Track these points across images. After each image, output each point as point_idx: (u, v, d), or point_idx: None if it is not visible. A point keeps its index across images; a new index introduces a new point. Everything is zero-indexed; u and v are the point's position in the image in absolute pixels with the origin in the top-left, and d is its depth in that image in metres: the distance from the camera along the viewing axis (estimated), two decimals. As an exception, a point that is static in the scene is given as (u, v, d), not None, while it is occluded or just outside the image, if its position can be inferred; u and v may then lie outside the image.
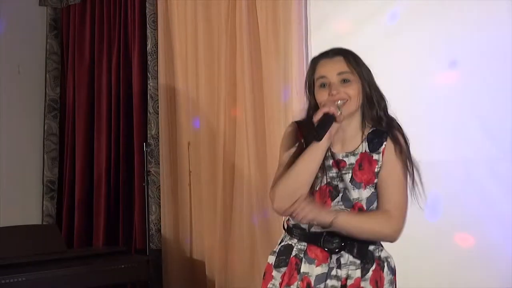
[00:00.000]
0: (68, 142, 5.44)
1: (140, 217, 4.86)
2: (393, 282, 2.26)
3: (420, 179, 2.23)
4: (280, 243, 2.34)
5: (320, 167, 2.20)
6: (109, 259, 4.24)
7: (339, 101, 2.17)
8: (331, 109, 2.14)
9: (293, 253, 2.27)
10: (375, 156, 2.21)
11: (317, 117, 2.15)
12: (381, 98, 2.26)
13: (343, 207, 2.19)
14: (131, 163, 4.99)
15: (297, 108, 4.10)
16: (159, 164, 4.84)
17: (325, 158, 2.21)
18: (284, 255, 2.29)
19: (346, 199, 2.20)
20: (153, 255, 4.68)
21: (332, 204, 2.21)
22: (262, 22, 4.30)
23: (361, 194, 2.19)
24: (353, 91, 2.20)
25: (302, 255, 2.25)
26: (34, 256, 4.07)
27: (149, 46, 4.91)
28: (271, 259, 2.32)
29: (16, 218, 4.94)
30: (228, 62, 4.45)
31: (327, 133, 2.14)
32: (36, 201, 5.48)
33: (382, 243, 2.29)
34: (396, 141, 2.21)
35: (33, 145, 5.50)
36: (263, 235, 4.24)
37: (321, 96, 2.22)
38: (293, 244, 2.29)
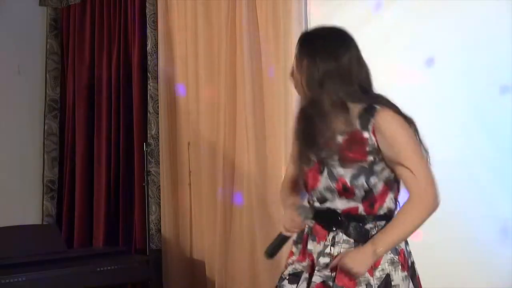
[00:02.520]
0: (68, 142, 5.44)
1: (140, 217, 4.86)
2: (395, 261, 2.19)
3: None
4: None
5: (310, 146, 2.25)
6: (109, 259, 4.24)
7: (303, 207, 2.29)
8: (285, 231, 2.32)
9: (305, 230, 2.31)
10: (365, 134, 2.18)
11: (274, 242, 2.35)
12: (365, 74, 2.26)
13: (328, 183, 2.20)
14: (131, 163, 4.99)
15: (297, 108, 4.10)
16: (159, 164, 4.84)
17: (315, 137, 2.23)
18: (301, 232, 2.34)
19: (331, 175, 2.20)
20: (153, 255, 4.68)
21: (321, 180, 2.23)
22: (262, 22, 4.30)
23: (346, 171, 2.18)
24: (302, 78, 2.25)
25: (309, 232, 2.29)
26: (34, 256, 4.08)
27: (149, 46, 4.91)
28: (294, 236, 2.37)
29: (16, 218, 4.93)
30: (228, 62, 4.45)
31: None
32: (36, 201, 5.48)
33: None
34: (386, 113, 2.17)
35: (33, 145, 5.50)
36: (263, 235, 4.24)
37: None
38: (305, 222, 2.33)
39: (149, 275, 4.38)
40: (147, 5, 4.94)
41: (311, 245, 2.26)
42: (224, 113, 4.47)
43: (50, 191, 5.50)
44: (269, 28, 4.25)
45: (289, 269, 2.32)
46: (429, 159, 2.21)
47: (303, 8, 4.15)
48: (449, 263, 3.52)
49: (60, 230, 4.90)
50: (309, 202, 2.33)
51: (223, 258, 4.44)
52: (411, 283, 2.22)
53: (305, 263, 2.27)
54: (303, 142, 2.27)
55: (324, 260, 2.21)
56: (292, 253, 2.36)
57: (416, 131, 2.23)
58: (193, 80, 4.70)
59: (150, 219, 4.72)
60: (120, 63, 5.11)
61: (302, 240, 2.32)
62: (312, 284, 2.21)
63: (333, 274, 2.18)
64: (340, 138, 2.21)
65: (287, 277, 2.32)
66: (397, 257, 2.20)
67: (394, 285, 2.18)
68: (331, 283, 2.18)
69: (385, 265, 2.18)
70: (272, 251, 2.30)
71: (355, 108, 2.20)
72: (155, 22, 4.90)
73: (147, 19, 4.93)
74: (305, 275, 2.26)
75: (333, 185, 2.19)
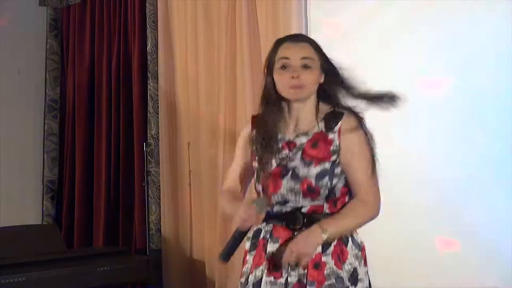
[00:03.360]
0: (68, 142, 5.44)
1: (140, 217, 4.86)
2: (360, 257, 2.27)
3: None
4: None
5: (270, 151, 2.29)
6: (109, 259, 4.24)
7: (253, 203, 2.24)
8: (240, 226, 2.26)
9: (261, 235, 2.34)
10: (331, 135, 2.25)
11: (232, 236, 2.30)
12: (338, 87, 2.31)
13: (292, 184, 2.24)
14: (131, 163, 4.99)
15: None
16: (159, 164, 4.84)
17: (276, 142, 2.29)
18: (255, 239, 2.37)
19: (295, 177, 2.24)
20: (153, 255, 4.68)
21: (283, 183, 2.25)
22: (262, 22, 4.30)
23: (310, 171, 2.23)
24: (312, 77, 2.26)
25: (268, 236, 2.31)
26: (34, 256, 4.07)
27: (149, 46, 4.91)
28: (247, 245, 2.39)
29: (16, 218, 4.94)
30: (228, 62, 4.45)
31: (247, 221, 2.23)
32: (36, 201, 5.48)
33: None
34: (353, 120, 2.26)
35: (33, 145, 5.50)
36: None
37: (280, 77, 2.28)
38: (261, 228, 2.35)
39: (149, 275, 4.38)
40: (147, 5, 4.94)
41: (272, 247, 2.28)
42: (224, 113, 4.46)
43: (50, 191, 5.49)
44: (269, 28, 4.25)
45: (251, 279, 2.32)
46: (377, 168, 2.28)
47: (303, 8, 4.15)
48: (449, 263, 3.52)
49: (60, 230, 4.89)
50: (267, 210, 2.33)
51: (223, 258, 4.43)
52: (369, 279, 2.30)
53: (262, 266, 2.30)
54: (263, 146, 2.31)
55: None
56: (246, 261, 2.37)
57: (370, 136, 2.30)
58: (193, 80, 4.70)
59: (150, 219, 4.72)
60: (120, 63, 5.11)
61: (256, 246, 2.34)
62: (289, 285, 2.23)
63: (305, 271, 2.22)
64: (304, 139, 2.27)
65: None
66: (360, 252, 2.29)
67: (360, 279, 2.26)
68: (305, 281, 2.22)
69: (352, 260, 2.26)
70: (228, 252, 2.26)
71: (323, 108, 2.30)
72: (155, 22, 4.90)
73: (147, 19, 4.93)
74: (266, 278, 2.27)
75: (297, 187, 2.23)
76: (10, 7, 5.38)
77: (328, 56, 2.31)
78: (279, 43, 2.36)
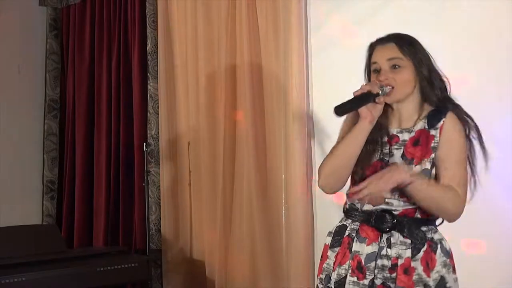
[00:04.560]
0: (68, 142, 5.44)
1: (140, 217, 4.86)
2: (447, 264, 2.25)
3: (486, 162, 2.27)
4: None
5: (377, 142, 2.26)
6: (109, 259, 4.24)
7: (386, 87, 2.21)
8: (368, 88, 2.19)
9: (346, 233, 2.31)
10: (432, 132, 2.23)
11: (356, 93, 2.20)
12: (440, 80, 2.30)
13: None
14: (131, 163, 4.99)
15: (297, 108, 4.10)
16: (159, 164, 4.84)
17: (381, 135, 2.27)
18: (338, 236, 2.34)
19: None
20: (153, 255, 4.68)
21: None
22: (262, 22, 4.29)
23: (410, 170, 2.20)
24: (402, 77, 2.24)
25: (354, 235, 2.29)
26: (34, 256, 4.07)
27: (149, 46, 4.91)
28: (328, 240, 2.37)
29: (16, 218, 4.94)
30: (228, 62, 4.45)
31: (368, 113, 2.18)
32: (36, 201, 5.48)
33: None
34: (456, 118, 2.24)
35: (33, 145, 5.50)
36: (263, 235, 4.24)
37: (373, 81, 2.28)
38: (347, 224, 2.33)
39: (149, 275, 4.38)
40: (147, 5, 4.94)
41: (358, 247, 2.27)
42: (224, 113, 4.46)
43: (50, 191, 5.50)
44: (269, 28, 4.25)
45: (334, 277, 2.30)
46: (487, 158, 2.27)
47: (303, 8, 4.15)
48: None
49: (60, 230, 4.89)
50: (352, 206, 2.33)
51: (223, 258, 4.44)
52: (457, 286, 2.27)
53: (346, 265, 2.28)
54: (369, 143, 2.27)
55: (382, 262, 2.23)
56: (327, 257, 2.36)
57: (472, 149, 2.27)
58: (193, 80, 4.70)
59: (150, 219, 4.72)
60: (120, 63, 5.11)
61: (340, 243, 2.32)
62: (374, 286, 2.23)
63: (393, 275, 2.20)
64: (406, 136, 2.25)
65: (333, 286, 2.31)
66: (448, 260, 2.27)
67: (448, 287, 2.23)
68: (391, 285, 2.21)
69: (439, 267, 2.23)
70: (345, 107, 2.17)
71: (428, 107, 2.28)
72: (155, 22, 4.90)
73: (147, 19, 4.93)
74: (350, 278, 2.26)
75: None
76: (10, 7, 5.38)
77: (422, 52, 2.29)
78: (371, 48, 2.36)
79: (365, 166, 2.26)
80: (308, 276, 4.05)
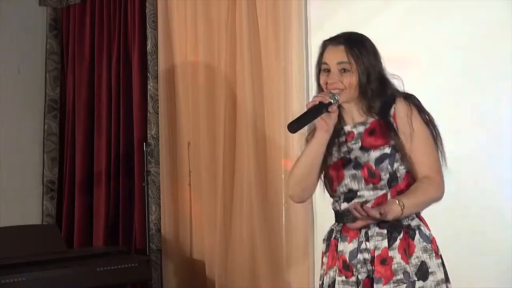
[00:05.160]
0: (68, 142, 5.44)
1: (140, 217, 4.86)
2: (428, 249, 2.26)
3: (441, 141, 2.32)
4: None
5: (334, 144, 2.32)
6: (109, 259, 4.24)
7: (335, 90, 2.27)
8: (319, 99, 2.25)
9: (333, 235, 2.36)
10: (387, 120, 2.27)
11: (308, 105, 2.28)
12: (387, 80, 2.33)
13: (353, 171, 2.27)
14: (131, 163, 4.99)
15: (297, 108, 4.10)
16: (159, 164, 4.84)
17: (339, 136, 2.33)
18: (328, 240, 2.39)
19: (356, 165, 2.28)
20: (153, 255, 4.68)
21: (344, 172, 2.29)
22: (262, 22, 4.30)
23: (370, 156, 2.26)
24: (349, 80, 2.28)
25: (338, 235, 2.33)
26: (34, 256, 4.07)
27: (149, 46, 4.91)
28: (323, 247, 2.42)
29: (16, 218, 4.93)
30: (228, 62, 4.45)
31: (323, 123, 2.25)
32: (36, 201, 5.48)
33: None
34: (406, 102, 2.28)
35: (33, 145, 5.49)
36: (263, 235, 4.24)
37: (322, 80, 2.33)
38: (333, 228, 2.38)
39: (149, 275, 4.38)
40: (147, 5, 4.94)
41: (342, 247, 2.31)
42: (224, 113, 4.46)
43: (50, 191, 5.49)
44: (269, 28, 4.25)
45: (326, 280, 2.34)
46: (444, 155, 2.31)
47: (303, 8, 4.15)
48: (449, 261, 3.51)
49: (60, 230, 4.89)
50: (335, 209, 2.37)
51: (223, 258, 4.44)
52: (444, 270, 2.28)
53: (335, 267, 2.32)
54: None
55: (362, 256, 2.26)
56: (322, 263, 2.40)
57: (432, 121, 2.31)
58: (193, 80, 4.70)
59: (150, 219, 4.72)
60: (120, 63, 5.11)
61: (329, 247, 2.36)
62: (360, 283, 2.25)
63: (372, 267, 2.23)
64: (361, 128, 2.30)
65: None
66: (429, 245, 2.27)
67: (431, 272, 2.24)
68: (373, 276, 2.23)
69: (419, 253, 2.24)
70: (298, 122, 2.25)
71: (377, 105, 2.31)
72: (155, 22, 4.90)
73: (147, 19, 4.93)
74: (338, 278, 2.29)
75: (359, 173, 2.26)
76: (10, 7, 5.38)
77: (367, 52, 2.31)
78: (323, 46, 2.38)
79: (325, 169, 2.34)
80: (308, 276, 4.05)
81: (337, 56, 2.30)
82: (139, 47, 4.98)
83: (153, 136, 4.87)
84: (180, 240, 4.79)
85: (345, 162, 2.30)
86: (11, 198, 5.29)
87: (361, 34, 2.38)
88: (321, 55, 2.36)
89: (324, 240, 2.41)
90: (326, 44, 2.37)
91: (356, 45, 2.31)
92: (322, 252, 2.41)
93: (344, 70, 2.28)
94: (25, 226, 4.49)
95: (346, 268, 2.28)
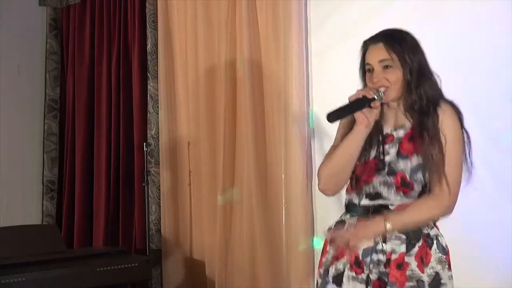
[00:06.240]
0: (68, 142, 5.44)
1: (140, 217, 4.86)
2: (443, 261, 2.25)
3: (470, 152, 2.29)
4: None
5: (371, 142, 2.29)
6: (109, 259, 4.24)
7: (381, 88, 2.24)
8: (362, 93, 2.22)
9: (345, 227, 2.33)
10: (431, 128, 2.23)
11: (351, 98, 2.24)
12: (431, 76, 2.31)
13: (386, 177, 2.25)
14: (131, 163, 4.99)
15: (297, 108, 4.10)
16: (159, 164, 4.84)
17: (375, 134, 2.29)
18: (337, 230, 2.36)
19: (390, 171, 2.26)
20: (153, 255, 4.68)
21: (376, 175, 2.27)
22: (262, 22, 4.30)
23: (406, 165, 2.23)
24: (394, 76, 2.26)
25: (352, 229, 2.30)
26: (34, 256, 4.07)
27: (149, 46, 4.91)
28: (327, 235, 2.39)
29: (16, 218, 4.94)
30: (228, 62, 4.45)
31: (364, 118, 2.22)
32: (36, 201, 5.48)
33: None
34: (451, 109, 2.26)
35: (33, 145, 5.50)
36: (263, 235, 4.24)
37: (368, 80, 2.31)
38: (345, 220, 2.35)
39: (149, 275, 4.38)
40: (147, 5, 4.94)
41: None
42: (224, 113, 4.46)
43: (50, 191, 5.49)
44: (269, 28, 4.25)
45: (332, 271, 2.32)
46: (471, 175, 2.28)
47: (303, 8, 4.15)
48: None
49: (60, 230, 4.89)
50: (351, 201, 2.35)
51: (223, 258, 4.44)
52: (452, 283, 2.28)
53: (344, 259, 2.30)
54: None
55: (377, 257, 2.25)
56: (326, 251, 2.38)
57: (468, 140, 2.29)
58: (193, 80, 4.70)
59: (150, 219, 4.71)
60: (120, 63, 5.11)
61: None
62: (370, 282, 2.24)
63: (387, 270, 2.22)
64: (401, 132, 2.27)
65: (331, 280, 2.33)
66: (445, 256, 2.27)
67: (443, 283, 2.24)
68: (385, 279, 2.22)
69: (434, 263, 2.23)
70: (337, 113, 2.22)
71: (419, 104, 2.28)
72: (155, 22, 4.90)
73: (147, 19, 4.93)
74: (348, 273, 2.28)
75: (391, 180, 2.24)
76: (10, 7, 5.38)
77: (407, 46, 2.29)
78: (364, 47, 2.36)
79: (357, 165, 2.30)
80: (308, 276, 4.05)
81: (378, 54, 2.27)
82: (139, 47, 4.98)
83: (153, 136, 4.87)
84: (180, 240, 4.79)
85: (379, 165, 2.27)
86: (11, 198, 5.29)
87: (401, 29, 2.36)
88: (363, 56, 2.34)
89: (330, 228, 2.39)
90: (367, 43, 2.34)
91: (396, 40, 2.29)
92: (326, 240, 2.38)
93: (387, 66, 2.26)
94: (25, 226, 4.49)
95: (357, 265, 2.27)
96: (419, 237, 2.23)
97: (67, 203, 5.38)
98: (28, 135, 5.49)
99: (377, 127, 2.30)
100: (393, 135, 2.29)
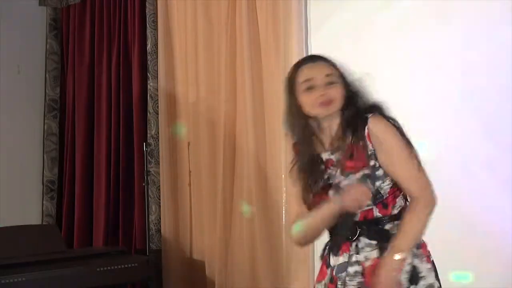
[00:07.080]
0: (68, 142, 5.44)
1: (140, 217, 4.86)
2: (420, 255, 2.27)
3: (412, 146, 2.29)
4: None
5: (315, 174, 2.30)
6: (109, 259, 4.24)
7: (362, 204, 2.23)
8: (352, 209, 2.22)
9: (326, 251, 2.37)
10: (362, 142, 2.25)
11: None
12: (363, 97, 2.31)
13: (336, 195, 2.25)
14: (131, 163, 4.99)
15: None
16: (159, 164, 4.84)
17: (318, 165, 2.31)
18: (322, 257, 2.41)
19: (338, 190, 2.26)
20: (153, 255, 4.68)
21: (329, 195, 2.28)
22: (262, 22, 4.30)
23: (352, 180, 2.24)
24: (337, 93, 2.27)
25: (330, 250, 2.34)
26: (34, 256, 4.07)
27: (149, 46, 4.91)
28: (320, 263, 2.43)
29: (16, 218, 4.94)
30: (228, 62, 4.45)
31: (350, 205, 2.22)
32: (36, 201, 5.48)
33: None
34: (379, 119, 2.26)
35: (33, 145, 5.50)
36: (263, 235, 4.24)
37: (307, 98, 2.28)
38: (328, 244, 2.39)
39: (149, 275, 4.38)
40: (147, 5, 4.94)
41: (333, 261, 2.32)
42: (224, 113, 4.46)
43: (50, 191, 5.49)
44: (269, 28, 4.25)
45: None
46: (420, 158, 2.27)
47: (303, 8, 4.15)
48: (449, 263, 3.51)
49: (60, 230, 4.89)
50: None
51: (223, 258, 4.44)
52: (435, 274, 2.28)
53: (324, 281, 2.33)
54: (309, 170, 2.32)
55: (353, 269, 2.27)
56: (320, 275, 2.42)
57: (402, 131, 2.29)
58: (193, 80, 4.70)
59: (150, 219, 4.72)
60: (120, 63, 5.11)
61: (323, 262, 2.38)
62: None
63: (363, 279, 2.24)
64: (339, 154, 2.29)
65: None
66: (420, 250, 2.27)
67: (421, 277, 2.25)
68: None
69: (409, 259, 2.23)
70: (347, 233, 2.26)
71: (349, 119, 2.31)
72: (155, 22, 4.90)
73: (147, 19, 4.93)
74: None
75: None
76: (10, 7, 5.38)
77: (342, 70, 2.32)
78: (298, 66, 2.34)
79: (313, 195, 2.32)
80: (308, 276, 4.05)
81: (323, 69, 2.28)
82: (139, 47, 4.98)
83: (153, 136, 4.87)
84: (180, 240, 4.79)
85: (327, 187, 2.29)
86: (11, 198, 5.29)
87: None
88: (296, 74, 2.31)
89: (320, 256, 2.42)
90: (302, 63, 2.34)
91: (331, 60, 2.32)
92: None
93: (331, 83, 2.26)
94: (25, 226, 4.49)
95: (331, 281, 2.30)
96: (389, 238, 2.24)
97: (67, 203, 5.38)
98: (28, 135, 5.49)
99: (315, 157, 2.31)
100: (332, 159, 2.30)
